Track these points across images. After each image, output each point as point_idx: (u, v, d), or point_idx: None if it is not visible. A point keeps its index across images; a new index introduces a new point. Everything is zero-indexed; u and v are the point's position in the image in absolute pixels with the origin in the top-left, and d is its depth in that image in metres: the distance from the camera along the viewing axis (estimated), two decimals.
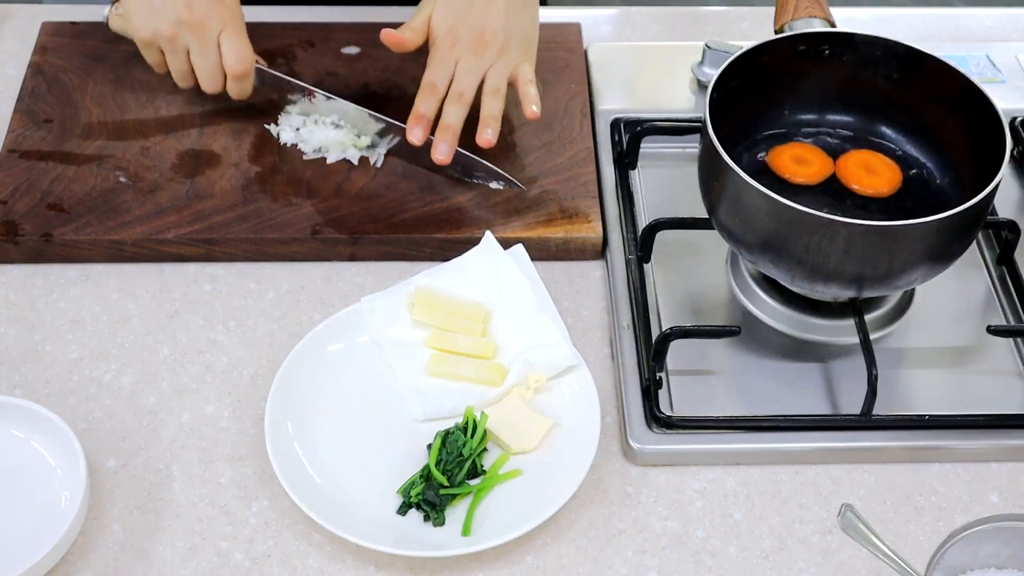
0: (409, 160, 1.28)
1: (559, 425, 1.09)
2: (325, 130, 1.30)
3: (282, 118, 1.32)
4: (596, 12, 1.53)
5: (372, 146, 1.30)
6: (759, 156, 1.20)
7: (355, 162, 1.29)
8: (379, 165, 1.28)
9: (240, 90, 1.29)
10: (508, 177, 1.25)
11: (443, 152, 1.23)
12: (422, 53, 1.28)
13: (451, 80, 1.25)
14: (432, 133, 1.24)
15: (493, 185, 1.26)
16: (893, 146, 1.22)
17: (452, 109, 1.24)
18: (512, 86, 1.26)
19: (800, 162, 1.18)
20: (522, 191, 1.26)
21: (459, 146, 1.24)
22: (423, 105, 1.24)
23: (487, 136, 1.23)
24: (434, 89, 1.25)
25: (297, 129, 1.31)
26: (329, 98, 1.30)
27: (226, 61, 1.26)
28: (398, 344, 1.14)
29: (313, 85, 1.31)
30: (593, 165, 1.30)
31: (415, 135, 1.23)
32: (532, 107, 1.25)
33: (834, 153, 1.20)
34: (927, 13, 1.54)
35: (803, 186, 1.17)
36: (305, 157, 1.29)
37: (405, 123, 1.25)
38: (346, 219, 1.24)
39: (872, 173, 1.18)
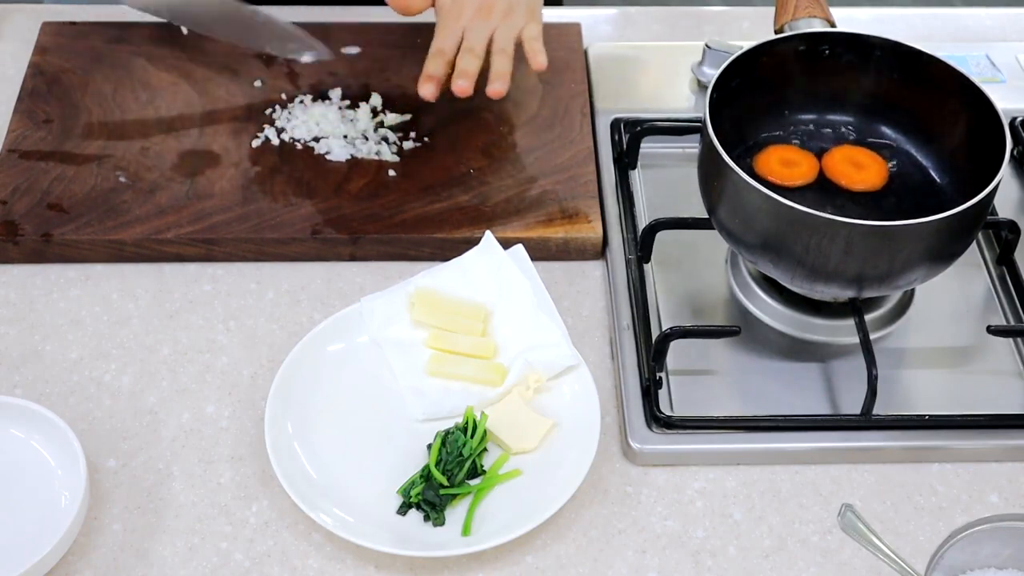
0: None
1: (559, 425, 1.09)
2: (321, 109, 1.32)
3: (285, 110, 1.33)
4: (596, 12, 1.53)
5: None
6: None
7: (357, 142, 1.30)
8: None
9: None
10: (319, 45, 1.28)
11: (461, 87, 1.24)
12: (423, 51, 1.28)
13: (459, 46, 1.26)
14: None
15: (305, 59, 1.30)
16: (893, 145, 1.22)
17: (466, 58, 1.25)
18: (518, 46, 1.27)
19: (787, 164, 1.18)
20: (330, 59, 1.30)
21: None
22: (432, 67, 1.26)
23: (496, 87, 1.24)
24: (442, 53, 1.26)
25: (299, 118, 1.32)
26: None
27: None
28: (398, 344, 1.14)
29: (313, 85, 1.31)
30: (593, 165, 1.30)
31: (427, 90, 1.25)
32: (539, 58, 1.25)
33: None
34: (927, 13, 1.54)
35: (793, 187, 1.17)
36: (305, 142, 1.30)
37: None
38: (346, 219, 1.24)
39: (859, 168, 1.18)
